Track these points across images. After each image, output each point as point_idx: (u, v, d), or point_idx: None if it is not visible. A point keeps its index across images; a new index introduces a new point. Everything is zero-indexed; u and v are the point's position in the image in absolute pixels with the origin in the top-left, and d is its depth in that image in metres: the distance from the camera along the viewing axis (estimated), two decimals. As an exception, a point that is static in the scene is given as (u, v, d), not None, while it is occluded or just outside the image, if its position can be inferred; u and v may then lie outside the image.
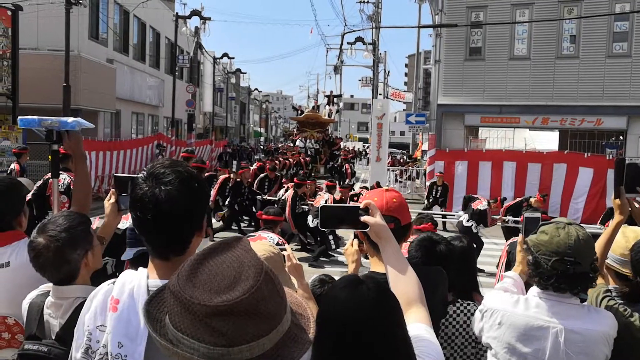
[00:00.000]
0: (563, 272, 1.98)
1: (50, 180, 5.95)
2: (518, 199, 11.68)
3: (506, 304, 2.13)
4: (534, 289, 2.12)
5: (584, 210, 15.22)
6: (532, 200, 10.72)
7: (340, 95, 40.94)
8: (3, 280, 2.36)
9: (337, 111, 39.18)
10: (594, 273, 2.04)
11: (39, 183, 6.44)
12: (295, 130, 35.59)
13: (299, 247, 10.88)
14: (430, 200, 14.71)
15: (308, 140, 30.62)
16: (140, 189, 1.46)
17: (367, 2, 32.01)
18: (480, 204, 10.05)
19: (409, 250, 2.81)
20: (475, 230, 9.87)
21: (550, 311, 2.05)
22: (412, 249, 2.76)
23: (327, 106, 36.00)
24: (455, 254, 2.84)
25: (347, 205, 1.87)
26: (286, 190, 11.52)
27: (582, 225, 2.17)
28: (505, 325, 2.09)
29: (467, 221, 10.03)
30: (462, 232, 9.19)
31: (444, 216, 14.34)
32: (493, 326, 2.13)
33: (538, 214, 2.47)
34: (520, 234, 2.44)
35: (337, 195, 10.95)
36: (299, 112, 35.79)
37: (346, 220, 1.79)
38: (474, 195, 11.39)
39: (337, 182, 11.38)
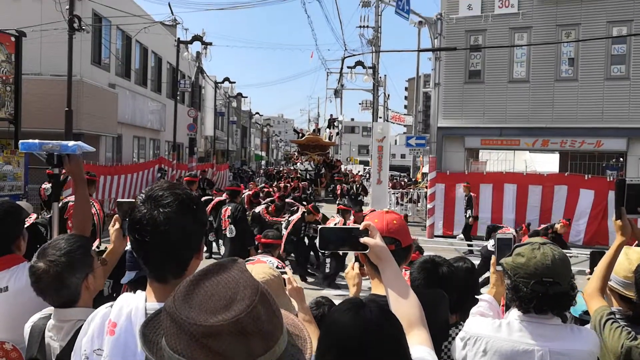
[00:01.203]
0: (543, 294, 1.96)
1: (70, 203, 6.00)
2: (543, 226, 11.41)
3: (489, 329, 2.10)
4: (515, 312, 2.09)
5: (586, 231, 15.20)
6: (557, 226, 10.50)
7: (336, 119, 40.96)
8: (1, 305, 2.35)
9: (337, 134, 39.25)
10: (573, 291, 2.02)
11: (59, 205, 6.47)
12: (296, 153, 35.51)
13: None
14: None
15: (308, 163, 30.43)
16: (139, 211, 1.46)
17: (367, 27, 32.36)
18: (508, 231, 9.93)
19: (411, 272, 2.80)
20: None
21: (534, 334, 2.02)
22: (415, 271, 2.75)
23: (328, 129, 36.06)
24: (459, 276, 2.82)
25: (347, 226, 1.86)
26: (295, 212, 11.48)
27: (555, 244, 2.15)
28: (491, 352, 2.06)
29: (492, 246, 9.85)
30: (486, 257, 9.12)
31: (469, 245, 14.16)
32: (478, 354, 2.09)
33: (510, 235, 2.46)
34: (492, 256, 2.43)
35: (350, 220, 10.78)
36: (300, 135, 35.79)
37: (346, 242, 1.79)
38: (499, 225, 11.25)
39: (351, 207, 11.06)
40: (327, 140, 34.01)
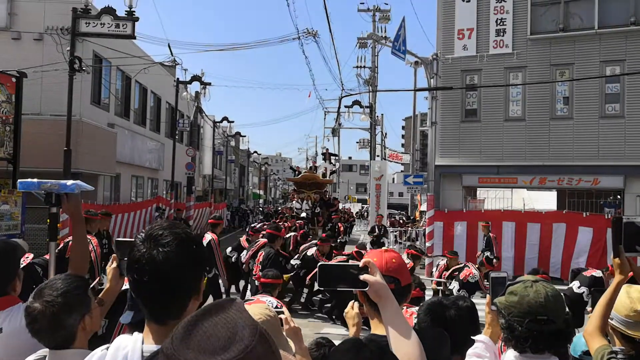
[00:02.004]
0: (539, 333, 1.93)
1: (71, 243, 5.94)
2: None
3: None
4: (511, 353, 2.05)
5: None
6: None
7: (336, 155, 40.27)
8: (-5, 348, 2.30)
9: (333, 172, 38.51)
10: (569, 328, 1.99)
11: (60, 246, 6.49)
12: (293, 191, 34.73)
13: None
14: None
15: (304, 202, 30.19)
16: (138, 250, 1.45)
17: (364, 67, 32.87)
18: (595, 272, 9.43)
19: (418, 313, 2.77)
20: (586, 299, 9.02)
21: None
22: (422, 313, 2.71)
23: (323, 161, 35.48)
24: (464, 318, 2.78)
25: (347, 264, 1.84)
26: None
27: (548, 281, 2.13)
28: None
29: (579, 287, 9.28)
30: (572, 301, 8.58)
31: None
32: None
33: (504, 274, 2.43)
34: (487, 295, 2.40)
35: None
36: (297, 172, 35.13)
37: (346, 280, 1.76)
38: (583, 267, 10.98)
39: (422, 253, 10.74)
40: (324, 177, 33.29)
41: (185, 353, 0.95)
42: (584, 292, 9.19)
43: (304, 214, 27.39)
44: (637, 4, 16.51)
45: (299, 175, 32.13)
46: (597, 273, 9.39)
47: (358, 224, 42.18)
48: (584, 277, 9.48)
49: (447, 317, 2.66)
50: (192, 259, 1.48)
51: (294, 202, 30.19)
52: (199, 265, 1.53)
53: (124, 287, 2.95)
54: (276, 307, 4.33)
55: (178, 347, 0.96)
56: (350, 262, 2.51)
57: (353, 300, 2.18)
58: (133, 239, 1.86)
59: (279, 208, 40.57)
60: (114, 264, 2.28)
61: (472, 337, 2.59)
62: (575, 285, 9.42)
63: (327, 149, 34.09)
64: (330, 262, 1.88)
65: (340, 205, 37.96)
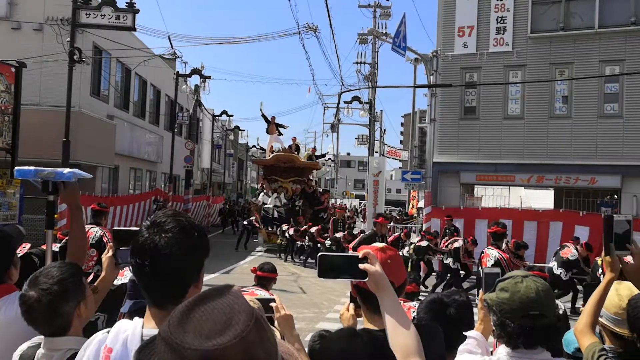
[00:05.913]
0: (531, 328, 1.93)
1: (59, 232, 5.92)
2: None
3: None
4: (503, 349, 2.04)
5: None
6: None
7: (284, 126, 28.24)
8: (-8, 336, 2.30)
9: (322, 155, 28.13)
10: (559, 322, 2.00)
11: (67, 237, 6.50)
12: (261, 177, 24.40)
13: None
14: None
15: (275, 195, 21.38)
16: (142, 236, 1.51)
17: (364, 63, 32.78)
18: (570, 253, 11.06)
19: (417, 311, 2.76)
20: (565, 278, 10.91)
21: None
22: (421, 311, 2.70)
23: (268, 135, 23.91)
24: (467, 315, 2.78)
25: (346, 254, 1.85)
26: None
27: (537, 276, 2.13)
28: None
29: (557, 269, 10.93)
30: (551, 281, 9.90)
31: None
32: None
33: (497, 270, 2.43)
34: (480, 290, 2.40)
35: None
36: (271, 153, 23.15)
37: (345, 270, 1.77)
38: (566, 244, 12.11)
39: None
40: (305, 159, 22.70)
41: (182, 336, 0.97)
42: (561, 272, 10.58)
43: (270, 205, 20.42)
44: (638, 4, 16.53)
45: (271, 156, 21.99)
46: (572, 255, 10.51)
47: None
48: (560, 257, 10.56)
49: (448, 315, 2.65)
50: (193, 246, 1.52)
51: (261, 194, 22.33)
52: (200, 252, 1.57)
53: (122, 281, 2.96)
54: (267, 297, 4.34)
55: (175, 331, 0.98)
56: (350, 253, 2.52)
57: (348, 302, 2.18)
58: (130, 228, 1.89)
59: (248, 201, 33.79)
60: (110, 253, 2.29)
61: (464, 333, 2.61)
62: (554, 266, 10.51)
63: (274, 117, 23.96)
64: (330, 253, 1.87)
65: (337, 201, 37.28)
